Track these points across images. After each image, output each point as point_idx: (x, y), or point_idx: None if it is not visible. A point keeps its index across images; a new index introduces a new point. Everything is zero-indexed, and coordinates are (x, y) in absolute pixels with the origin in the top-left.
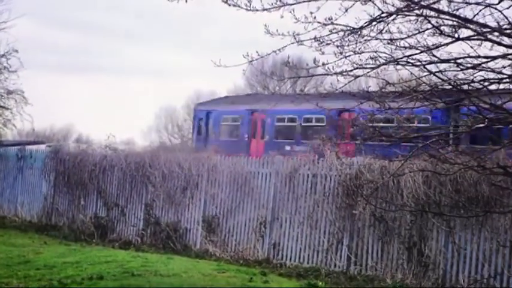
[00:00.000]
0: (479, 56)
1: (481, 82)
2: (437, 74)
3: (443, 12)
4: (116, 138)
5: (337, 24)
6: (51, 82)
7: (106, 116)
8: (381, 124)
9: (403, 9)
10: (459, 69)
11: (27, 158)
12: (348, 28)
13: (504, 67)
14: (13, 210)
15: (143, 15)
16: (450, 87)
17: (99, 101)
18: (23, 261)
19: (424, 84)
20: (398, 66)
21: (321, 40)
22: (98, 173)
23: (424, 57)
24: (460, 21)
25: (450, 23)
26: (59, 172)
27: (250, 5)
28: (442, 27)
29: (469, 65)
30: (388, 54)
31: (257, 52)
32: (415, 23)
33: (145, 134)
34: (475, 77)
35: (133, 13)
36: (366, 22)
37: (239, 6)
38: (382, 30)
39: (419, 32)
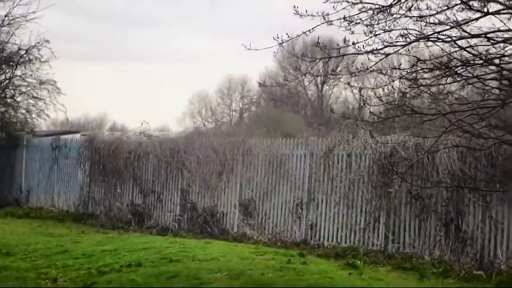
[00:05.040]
0: (509, 30)
1: None
2: (468, 49)
3: None
4: (150, 125)
5: (366, 3)
6: (82, 71)
7: (139, 104)
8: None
9: None
10: (490, 43)
11: (62, 148)
12: (377, 6)
13: None
14: (50, 200)
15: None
16: (481, 62)
17: (131, 89)
18: (61, 250)
19: (455, 60)
20: (429, 43)
21: (351, 19)
22: (133, 161)
23: (454, 32)
24: None
25: None
26: (94, 161)
27: None
28: (470, 2)
29: (499, 39)
30: (418, 31)
31: (287, 34)
32: None
33: (180, 120)
34: (506, 51)
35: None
36: (394, 0)
37: None
38: (411, 7)
39: (448, 8)
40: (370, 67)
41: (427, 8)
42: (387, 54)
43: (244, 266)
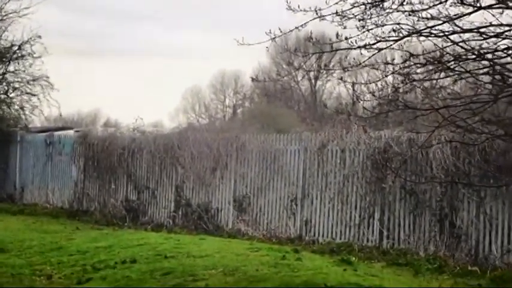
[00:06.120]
0: (501, 24)
1: (505, 50)
2: (460, 44)
3: None
4: (144, 121)
5: None
6: (75, 67)
7: (133, 99)
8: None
9: None
10: (482, 38)
11: (55, 144)
12: (370, 1)
13: None
14: (44, 197)
15: None
16: (474, 56)
17: (125, 85)
18: (55, 247)
19: (448, 55)
20: (421, 38)
21: (343, 14)
22: (127, 157)
23: (447, 27)
24: None
25: None
26: (88, 157)
27: None
28: None
29: (491, 34)
30: (411, 26)
31: (280, 29)
32: None
33: (173, 115)
34: (499, 46)
35: None
36: None
37: None
38: (403, 1)
39: (441, 3)
40: (363, 62)
41: (420, 3)
42: (380, 49)
43: (239, 262)
